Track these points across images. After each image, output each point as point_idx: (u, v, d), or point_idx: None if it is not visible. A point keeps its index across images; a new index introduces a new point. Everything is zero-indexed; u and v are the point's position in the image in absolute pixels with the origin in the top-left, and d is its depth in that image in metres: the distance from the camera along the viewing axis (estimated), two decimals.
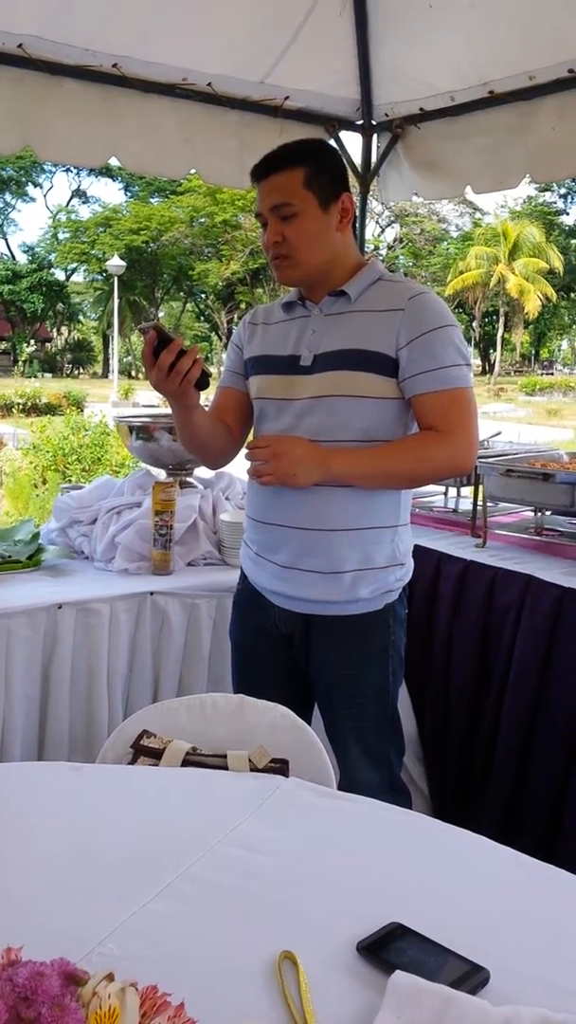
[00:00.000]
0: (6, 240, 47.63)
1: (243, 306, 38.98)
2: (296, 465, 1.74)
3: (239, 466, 2.06)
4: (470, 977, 0.89)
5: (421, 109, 3.13)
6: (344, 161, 1.96)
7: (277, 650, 1.97)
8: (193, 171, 3.08)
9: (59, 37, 2.59)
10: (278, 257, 1.82)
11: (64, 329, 49.33)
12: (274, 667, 1.98)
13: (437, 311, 1.81)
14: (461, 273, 40.79)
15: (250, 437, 2.01)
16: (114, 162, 2.91)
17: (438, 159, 3.18)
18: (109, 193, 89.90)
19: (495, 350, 46.22)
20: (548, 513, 2.77)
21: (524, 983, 0.90)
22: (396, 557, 1.89)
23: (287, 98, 3.08)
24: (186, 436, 1.97)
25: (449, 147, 3.12)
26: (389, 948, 0.93)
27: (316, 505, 1.81)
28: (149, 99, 2.85)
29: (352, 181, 3.11)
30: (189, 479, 2.89)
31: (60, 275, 45.82)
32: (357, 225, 3.08)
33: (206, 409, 1.96)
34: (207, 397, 1.97)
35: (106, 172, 42.68)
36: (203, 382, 1.75)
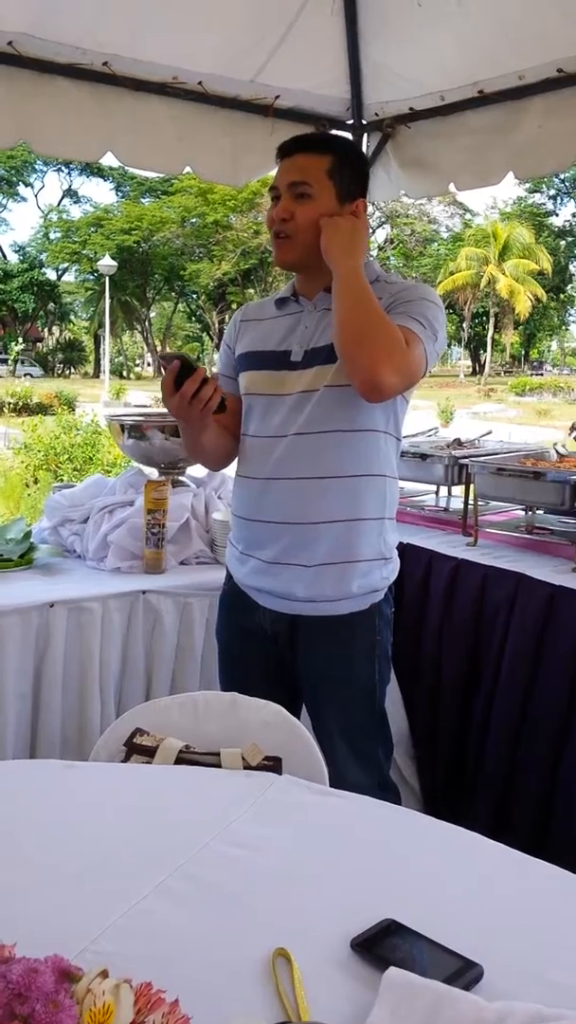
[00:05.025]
0: None
1: (234, 306, 38.94)
2: (352, 243, 1.77)
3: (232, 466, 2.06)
4: (464, 973, 0.89)
5: (411, 109, 3.12)
6: (368, 170, 1.96)
7: (263, 650, 1.96)
8: (188, 168, 3.07)
9: (50, 35, 2.58)
10: (280, 235, 1.82)
11: (55, 329, 49.25)
12: (260, 667, 1.97)
13: (427, 290, 1.85)
14: (451, 274, 40.91)
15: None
16: (109, 159, 2.89)
17: (425, 157, 3.18)
18: (100, 193, 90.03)
19: (485, 351, 46.35)
20: (539, 511, 2.78)
21: (518, 979, 0.90)
22: (383, 551, 1.89)
23: (278, 97, 3.08)
24: (195, 451, 2.01)
25: (437, 146, 3.12)
26: (383, 945, 0.93)
27: (303, 499, 1.81)
28: (140, 97, 2.84)
29: None
30: (181, 478, 2.89)
31: (51, 275, 45.78)
32: None
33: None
34: None
35: (97, 172, 42.69)
36: (222, 407, 1.76)
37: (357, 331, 1.71)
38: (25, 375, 39.92)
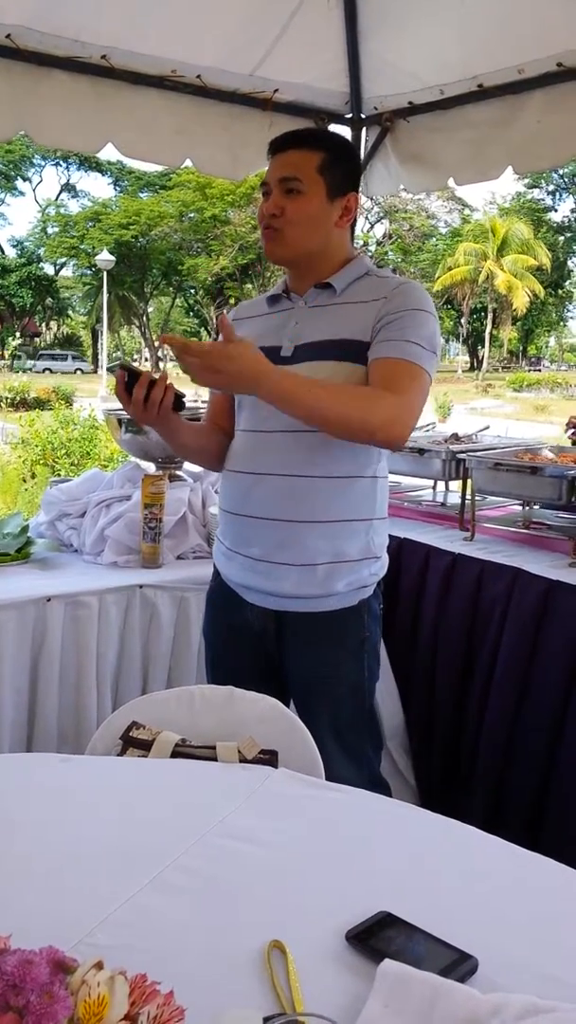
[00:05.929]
0: None
1: (232, 301, 38.86)
2: (229, 379, 1.63)
3: None
4: (458, 965, 0.89)
5: (410, 103, 3.12)
6: (360, 165, 1.95)
7: (251, 648, 1.95)
8: (188, 161, 3.07)
9: (48, 28, 2.57)
10: (269, 229, 1.82)
11: (53, 324, 49.16)
12: (248, 665, 1.95)
13: (418, 297, 1.81)
14: (450, 269, 40.86)
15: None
16: (110, 151, 2.89)
17: (424, 152, 3.18)
18: (98, 187, 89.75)
19: (483, 346, 46.36)
20: (536, 506, 2.78)
21: (512, 971, 0.90)
22: (370, 550, 1.88)
23: (276, 91, 3.07)
24: (180, 451, 2.03)
25: (436, 140, 3.12)
26: (378, 937, 0.93)
27: (291, 497, 1.80)
28: (139, 90, 2.84)
29: None
30: (178, 472, 2.89)
31: (49, 269, 45.65)
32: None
33: (196, 422, 1.94)
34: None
35: (95, 166, 42.54)
36: (179, 404, 1.75)
37: (340, 423, 1.69)
38: (76, 370, 40.05)
